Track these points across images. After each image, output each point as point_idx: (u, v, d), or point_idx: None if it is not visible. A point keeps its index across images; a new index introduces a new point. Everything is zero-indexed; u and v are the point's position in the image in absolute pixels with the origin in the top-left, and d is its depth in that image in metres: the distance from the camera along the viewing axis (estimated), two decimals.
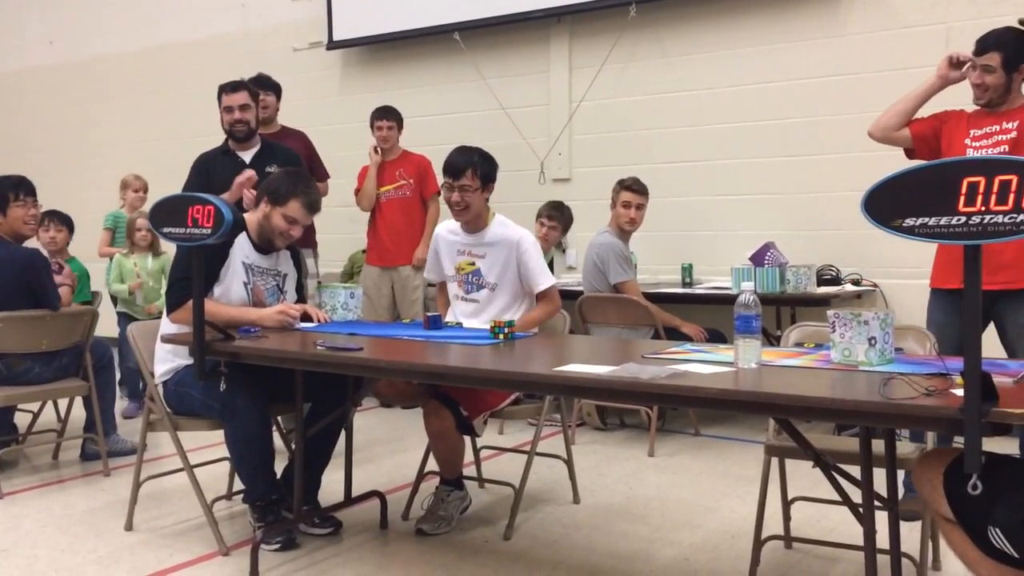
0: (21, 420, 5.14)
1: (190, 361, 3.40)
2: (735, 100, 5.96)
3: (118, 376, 5.92)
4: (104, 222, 6.38)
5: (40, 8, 9.56)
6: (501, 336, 3.20)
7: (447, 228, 3.86)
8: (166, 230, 3.21)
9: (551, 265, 5.55)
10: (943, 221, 1.98)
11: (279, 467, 3.64)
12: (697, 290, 5.50)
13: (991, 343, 3.52)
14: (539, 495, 4.10)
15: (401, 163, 5.95)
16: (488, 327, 3.29)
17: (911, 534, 3.05)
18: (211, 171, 4.67)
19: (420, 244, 5.80)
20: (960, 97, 3.67)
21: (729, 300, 3.09)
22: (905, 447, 3.00)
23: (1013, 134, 3.47)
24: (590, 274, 5.26)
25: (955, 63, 3.57)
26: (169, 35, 8.57)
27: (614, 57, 6.34)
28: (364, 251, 6.24)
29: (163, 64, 8.61)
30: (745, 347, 2.54)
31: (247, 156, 4.69)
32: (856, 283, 5.43)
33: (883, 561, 2.46)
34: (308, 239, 5.11)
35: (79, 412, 4.89)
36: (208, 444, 4.26)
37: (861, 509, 2.45)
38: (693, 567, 3.28)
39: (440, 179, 3.88)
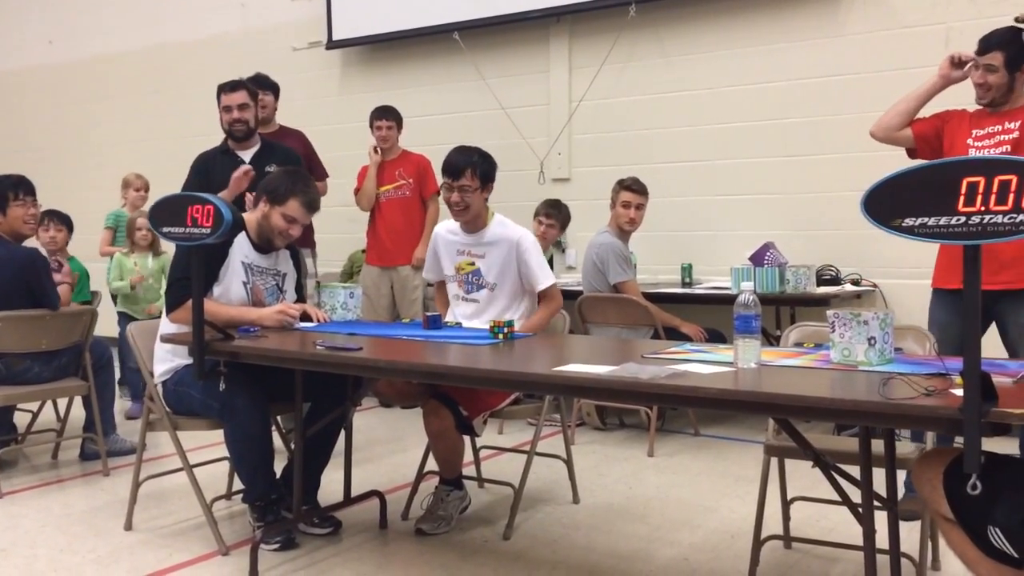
0: (20, 420, 5.14)
1: (189, 361, 3.40)
2: (735, 100, 5.96)
3: (118, 376, 5.93)
4: (105, 221, 6.38)
5: (40, 7, 9.56)
6: (500, 336, 3.20)
7: (446, 228, 3.86)
8: (165, 230, 3.21)
9: (550, 264, 5.56)
10: (943, 221, 1.98)
11: (278, 467, 3.64)
12: (697, 290, 5.50)
13: (993, 343, 3.54)
14: (539, 495, 4.10)
15: (401, 163, 5.95)
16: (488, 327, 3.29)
17: (910, 534, 3.05)
18: (211, 171, 4.67)
19: (419, 244, 5.80)
20: (962, 97, 3.67)
21: (729, 300, 3.09)
22: (905, 447, 3.00)
23: (1015, 134, 3.46)
24: (590, 274, 5.26)
25: (957, 63, 3.57)
26: (169, 34, 8.57)
27: (614, 57, 6.34)
28: (364, 251, 6.24)
29: (163, 63, 8.61)
30: (745, 347, 2.54)
31: (247, 156, 4.70)
32: (856, 283, 5.43)
33: (882, 561, 2.46)
34: (307, 239, 5.11)
35: (78, 412, 4.89)
36: (207, 444, 4.26)
37: (860, 509, 2.45)
38: (692, 567, 3.28)
39: (439, 179, 3.87)
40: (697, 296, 5.42)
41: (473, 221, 3.73)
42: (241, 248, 3.59)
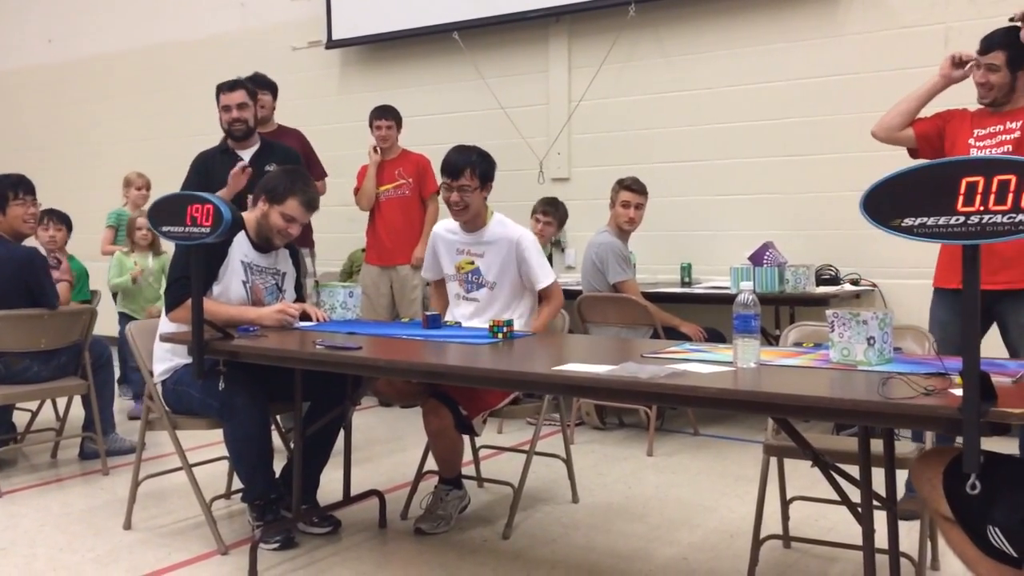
0: (20, 419, 5.14)
1: (189, 360, 3.40)
2: (734, 100, 5.96)
3: (118, 375, 5.93)
4: (107, 220, 6.38)
5: (39, 7, 9.55)
6: (500, 335, 3.20)
7: (445, 227, 3.85)
8: (165, 229, 3.21)
9: (549, 262, 5.56)
10: (942, 221, 1.98)
11: (278, 466, 3.64)
12: (696, 290, 5.50)
13: (995, 343, 3.54)
14: (538, 494, 4.10)
15: (400, 162, 5.95)
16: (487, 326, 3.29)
17: (910, 534, 3.05)
18: (210, 170, 4.67)
19: (419, 243, 5.80)
20: (964, 96, 3.67)
21: (728, 300, 3.09)
22: (905, 447, 3.00)
23: (1017, 134, 3.46)
24: (589, 274, 5.26)
25: (958, 62, 3.57)
26: (168, 34, 8.57)
27: (613, 57, 6.34)
28: (363, 250, 6.24)
29: (162, 63, 8.60)
30: (744, 347, 2.55)
31: (246, 155, 4.70)
32: (855, 283, 5.43)
33: (881, 561, 2.46)
34: (305, 238, 5.11)
35: (78, 411, 4.89)
36: (207, 443, 4.27)
37: (860, 509, 2.45)
38: (692, 566, 3.29)
39: (439, 178, 3.87)
40: (696, 296, 5.42)
41: (472, 220, 3.73)
42: (240, 247, 3.59)
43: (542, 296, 3.79)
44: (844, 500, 2.51)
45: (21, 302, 4.35)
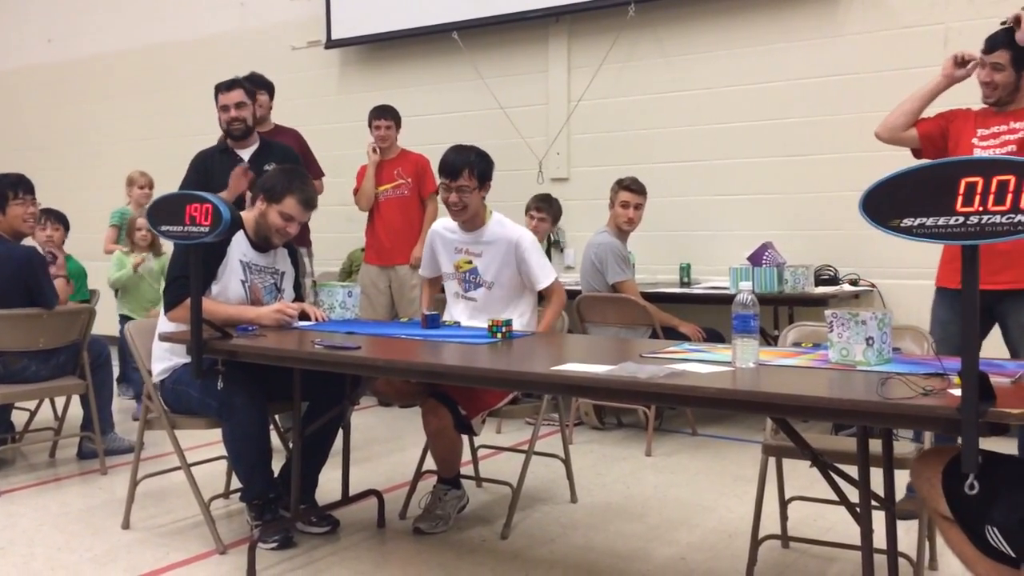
0: (18, 418, 5.14)
1: (188, 360, 3.39)
2: (733, 100, 5.97)
3: (117, 374, 5.93)
4: (110, 219, 6.37)
5: (39, 6, 9.55)
6: (499, 335, 3.20)
7: (444, 225, 3.85)
8: (164, 228, 3.21)
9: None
10: (941, 221, 1.98)
11: (276, 466, 3.64)
12: (695, 290, 5.51)
13: (996, 343, 3.54)
14: (536, 494, 4.10)
15: (399, 162, 5.95)
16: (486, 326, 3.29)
17: (908, 534, 3.05)
18: (210, 169, 4.67)
19: (418, 243, 5.79)
20: (966, 96, 3.67)
21: (727, 300, 3.09)
22: (904, 447, 3.00)
23: (1021, 133, 3.46)
24: (588, 274, 5.26)
25: (960, 62, 3.57)
26: (168, 34, 8.56)
27: (612, 57, 6.34)
28: (363, 249, 6.24)
29: (162, 63, 8.60)
30: (743, 347, 2.55)
31: (245, 154, 4.70)
32: (854, 283, 5.43)
33: (880, 561, 2.46)
34: (303, 238, 5.11)
35: (76, 410, 4.88)
36: (206, 443, 4.26)
37: (858, 509, 2.45)
38: (690, 566, 3.29)
39: (438, 178, 3.87)
40: (695, 296, 5.42)
41: (471, 220, 3.72)
42: (239, 246, 3.58)
43: (544, 295, 3.79)
44: (843, 500, 2.51)
45: (20, 301, 4.35)
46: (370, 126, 5.96)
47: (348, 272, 6.64)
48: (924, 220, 2.00)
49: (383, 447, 5.04)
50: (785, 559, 3.33)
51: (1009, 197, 1.90)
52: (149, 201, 6.28)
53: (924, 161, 3.24)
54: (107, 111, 9.01)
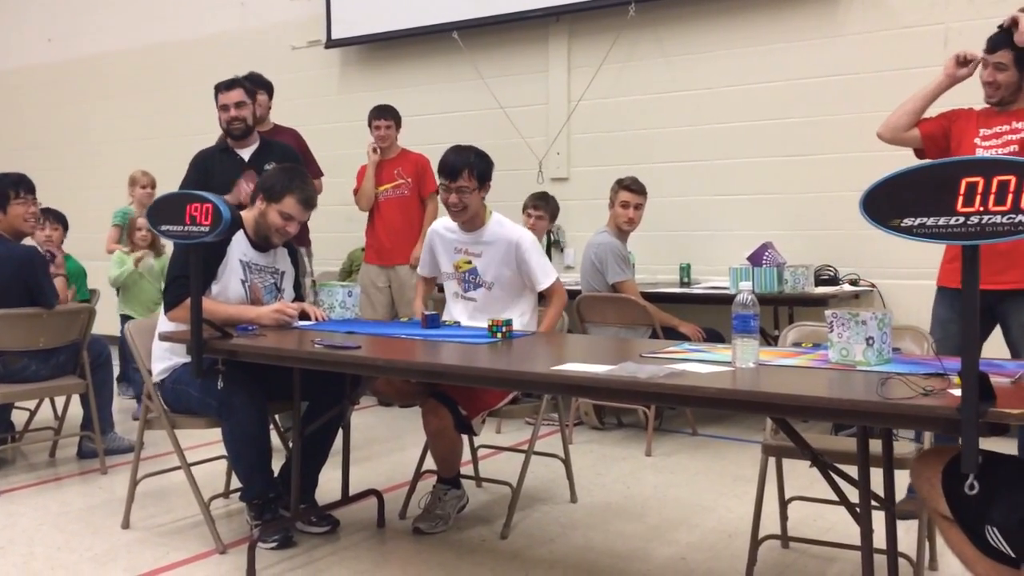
0: (18, 418, 5.14)
1: (188, 359, 3.39)
2: (734, 100, 5.96)
3: (117, 373, 5.93)
4: (113, 219, 6.35)
5: (39, 6, 9.55)
6: (499, 335, 3.20)
7: (444, 225, 3.84)
8: (164, 228, 3.21)
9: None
10: (941, 221, 1.98)
11: (276, 465, 3.63)
12: (695, 290, 5.50)
13: (998, 343, 3.54)
14: (536, 494, 4.10)
15: (399, 162, 5.95)
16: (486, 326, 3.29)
17: (908, 534, 3.05)
18: (210, 168, 4.68)
19: (418, 243, 5.79)
20: (969, 96, 3.67)
21: (727, 300, 3.09)
22: (904, 447, 3.00)
23: (1023, 133, 3.46)
24: (588, 274, 5.26)
25: (962, 61, 3.56)
26: (168, 33, 8.56)
27: (613, 57, 6.34)
28: (363, 249, 6.24)
29: (162, 62, 8.60)
30: (743, 347, 2.55)
31: (246, 154, 4.70)
32: (854, 283, 5.43)
33: (880, 561, 2.46)
34: (302, 238, 5.11)
35: (76, 410, 4.88)
36: (205, 442, 4.26)
37: (858, 509, 2.45)
38: (690, 566, 3.29)
39: (438, 178, 3.87)
40: (695, 296, 5.42)
41: (471, 221, 3.72)
42: (239, 246, 3.58)
43: (544, 295, 3.79)
44: (842, 500, 2.51)
45: (20, 301, 4.35)
46: (370, 126, 5.96)
47: (348, 272, 6.64)
48: (924, 220, 2.00)
49: (383, 447, 5.04)
50: (785, 559, 3.33)
51: (1010, 197, 1.90)
52: (152, 200, 6.28)
53: (925, 161, 3.25)
54: (107, 111, 9.01)
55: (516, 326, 3.40)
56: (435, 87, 7.10)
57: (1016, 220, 1.90)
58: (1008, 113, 3.52)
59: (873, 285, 5.45)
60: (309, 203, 3.60)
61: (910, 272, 5.05)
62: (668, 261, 6.03)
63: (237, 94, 4.65)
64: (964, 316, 2.00)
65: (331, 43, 7.48)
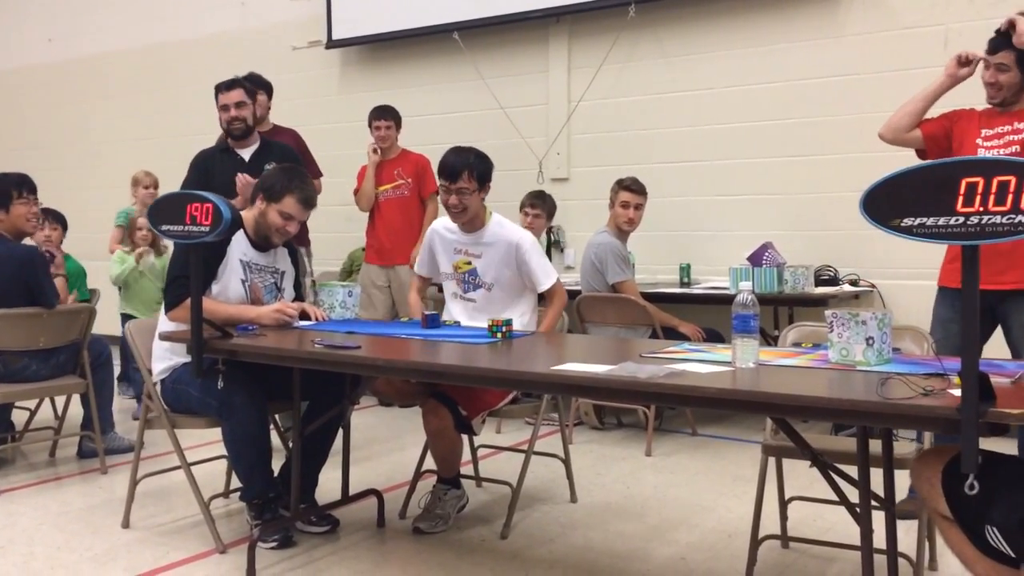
0: (18, 417, 5.14)
1: (188, 359, 3.39)
2: (734, 100, 5.97)
3: (118, 373, 5.93)
4: (116, 219, 6.35)
5: (39, 6, 9.55)
6: (499, 335, 3.20)
7: (444, 225, 3.83)
8: (164, 228, 3.21)
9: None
10: (941, 221, 1.98)
11: (276, 465, 3.64)
12: (695, 290, 5.51)
13: (1000, 344, 3.54)
14: (536, 494, 4.10)
15: (400, 162, 5.95)
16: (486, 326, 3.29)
17: (908, 534, 3.05)
18: (210, 169, 4.68)
19: (418, 243, 5.79)
20: (971, 97, 3.67)
21: (727, 300, 3.09)
22: (904, 447, 3.00)
23: None
24: (588, 274, 5.27)
25: (964, 61, 3.56)
26: (168, 33, 8.57)
27: (613, 57, 6.34)
28: (363, 249, 6.24)
29: (162, 62, 8.60)
30: (743, 347, 2.55)
31: (246, 154, 4.70)
32: (854, 283, 5.43)
33: (879, 561, 2.46)
34: (301, 238, 5.10)
35: (76, 409, 4.88)
36: (205, 442, 4.27)
37: (858, 509, 2.45)
38: (690, 566, 3.29)
39: (438, 179, 3.87)
40: (695, 296, 5.43)
41: (471, 222, 3.72)
42: (239, 246, 3.59)
43: (544, 296, 3.79)
44: (842, 500, 2.51)
45: (20, 301, 4.35)
46: (370, 126, 5.96)
47: (349, 272, 6.64)
48: (924, 220, 2.01)
49: (383, 447, 5.04)
50: (785, 559, 3.33)
51: (1010, 198, 1.90)
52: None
53: (925, 161, 3.25)
54: (107, 111, 9.02)
55: (516, 327, 3.40)
56: (435, 87, 7.10)
57: (1016, 220, 1.90)
58: (1010, 113, 3.52)
59: (873, 285, 5.45)
60: (309, 203, 3.60)
61: (910, 272, 5.05)
62: (668, 261, 6.03)
63: (237, 94, 4.65)
64: (964, 316, 2.00)
65: (331, 43, 7.48)
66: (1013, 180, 1.90)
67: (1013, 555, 2.06)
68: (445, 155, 3.67)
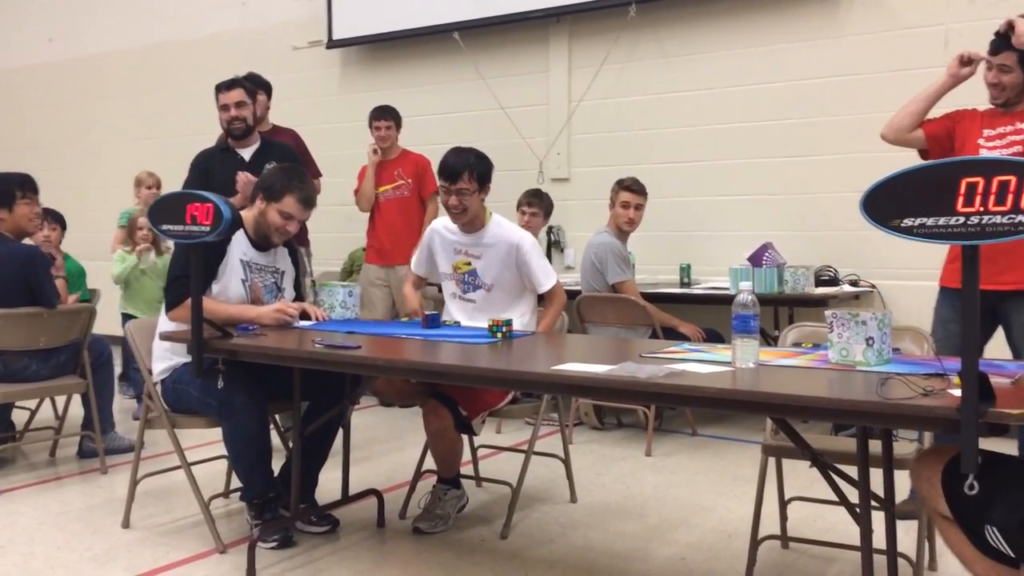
0: (18, 417, 5.14)
1: (188, 359, 3.39)
2: (734, 100, 5.97)
3: (119, 372, 5.93)
4: (119, 220, 6.34)
5: (40, 5, 9.56)
6: (499, 335, 3.20)
7: (444, 225, 3.82)
8: (165, 227, 3.21)
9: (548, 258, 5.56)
10: (941, 221, 1.99)
11: (276, 465, 3.64)
12: (695, 290, 5.51)
13: (1001, 344, 3.54)
14: (536, 494, 4.10)
15: (400, 163, 5.95)
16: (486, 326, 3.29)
17: (908, 534, 3.05)
18: (211, 169, 4.68)
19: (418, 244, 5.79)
20: (973, 97, 3.67)
21: (727, 300, 3.09)
22: (904, 447, 3.00)
23: None
24: (588, 274, 5.27)
25: (966, 61, 3.56)
26: (169, 33, 8.57)
27: (613, 57, 6.34)
28: (364, 249, 6.24)
29: (163, 62, 8.61)
30: (743, 347, 2.55)
31: (246, 154, 4.70)
32: (854, 284, 5.43)
33: (879, 561, 2.46)
34: (301, 238, 5.10)
35: (77, 409, 4.89)
36: (206, 442, 4.27)
37: (858, 509, 2.45)
38: (690, 566, 3.29)
39: (438, 180, 3.86)
40: (695, 296, 5.43)
41: (471, 223, 3.71)
42: (239, 246, 3.59)
43: (543, 297, 3.79)
44: (842, 500, 2.51)
45: (22, 300, 4.35)
46: (370, 127, 5.96)
47: (349, 271, 6.64)
48: (925, 220, 2.01)
49: (383, 447, 5.04)
50: (785, 559, 3.33)
51: (1010, 198, 1.90)
52: None
53: (925, 161, 3.25)
54: (107, 110, 9.02)
55: (516, 327, 3.40)
56: (436, 87, 7.11)
57: (1016, 220, 1.90)
58: (1012, 114, 3.52)
59: (873, 286, 5.46)
60: (309, 202, 3.60)
61: (910, 273, 5.05)
62: (668, 261, 6.03)
63: (237, 94, 4.65)
64: (964, 316, 2.00)
65: (332, 43, 7.48)
66: (1013, 180, 1.90)
67: (1013, 555, 2.06)
68: (445, 155, 3.66)
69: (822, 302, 5.01)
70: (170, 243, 5.30)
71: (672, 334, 4.92)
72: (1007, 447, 2.83)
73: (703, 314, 5.33)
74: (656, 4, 6.13)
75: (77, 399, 4.87)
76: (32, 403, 5.10)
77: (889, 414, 2.06)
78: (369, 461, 4.70)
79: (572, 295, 5.18)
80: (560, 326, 3.90)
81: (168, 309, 3.52)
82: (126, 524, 3.74)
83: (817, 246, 5.61)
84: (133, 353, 3.75)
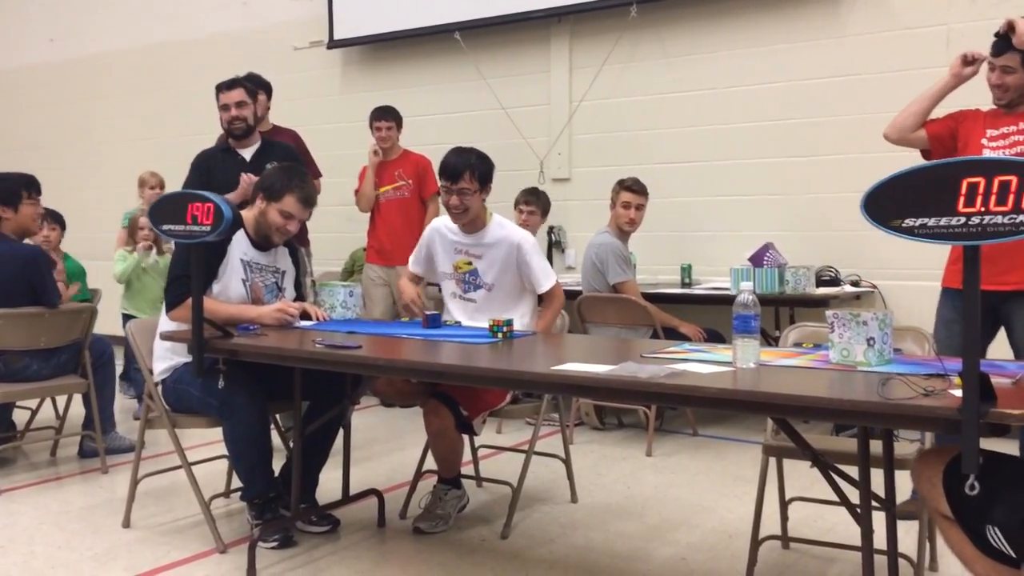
0: (19, 417, 5.14)
1: (189, 359, 3.39)
2: (735, 101, 5.96)
3: (119, 372, 5.93)
4: (122, 221, 6.33)
5: (41, 5, 9.56)
6: (500, 335, 3.20)
7: (445, 224, 3.82)
8: (165, 227, 3.22)
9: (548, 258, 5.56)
10: (942, 222, 1.98)
11: (277, 465, 3.64)
12: (696, 290, 5.50)
13: (1002, 344, 3.54)
14: (537, 494, 4.10)
15: (400, 163, 5.95)
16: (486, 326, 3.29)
17: (908, 535, 3.05)
18: (211, 168, 4.68)
19: None
20: (975, 97, 3.66)
21: (728, 300, 3.09)
22: (905, 447, 3.00)
23: None
24: (589, 274, 5.26)
25: (969, 61, 3.56)
26: (170, 33, 8.57)
27: (614, 57, 6.34)
28: (365, 249, 6.24)
29: (163, 62, 8.61)
30: (744, 347, 2.55)
31: (247, 153, 4.71)
32: (855, 284, 5.43)
33: (880, 561, 2.46)
34: (301, 238, 5.10)
35: (77, 409, 4.89)
36: (206, 442, 4.27)
37: (858, 509, 2.45)
38: (690, 567, 3.28)
39: (439, 180, 3.86)
40: (696, 296, 5.42)
41: (472, 223, 3.71)
42: (240, 245, 3.59)
43: (542, 297, 3.79)
44: (843, 501, 2.51)
45: (24, 300, 4.35)
46: (371, 127, 5.96)
47: (350, 271, 6.64)
48: (926, 220, 2.01)
49: (383, 447, 5.04)
50: (785, 560, 3.33)
51: (1011, 198, 1.90)
52: None
53: (926, 161, 3.25)
54: (108, 111, 9.02)
55: (516, 327, 3.40)
56: (437, 88, 7.10)
57: (1017, 220, 1.90)
58: (1016, 114, 3.52)
59: (874, 286, 5.45)
60: (309, 202, 3.60)
61: (911, 273, 5.05)
62: (669, 261, 6.03)
63: (238, 94, 4.66)
64: (965, 316, 2.00)
65: (333, 43, 7.48)
66: (1014, 180, 1.90)
67: (1014, 555, 2.06)
68: (446, 155, 3.66)
69: (823, 302, 5.01)
70: (171, 243, 5.30)
71: (673, 334, 4.92)
72: (1008, 447, 2.83)
73: (704, 314, 5.33)
74: (657, 4, 6.13)
75: (78, 399, 4.87)
76: (33, 403, 5.10)
77: (890, 414, 2.06)
78: (370, 461, 4.70)
79: (573, 295, 5.20)
80: (560, 326, 3.90)
81: (169, 309, 3.52)
82: (127, 524, 3.74)
83: (818, 246, 5.61)
84: (134, 353, 3.76)
